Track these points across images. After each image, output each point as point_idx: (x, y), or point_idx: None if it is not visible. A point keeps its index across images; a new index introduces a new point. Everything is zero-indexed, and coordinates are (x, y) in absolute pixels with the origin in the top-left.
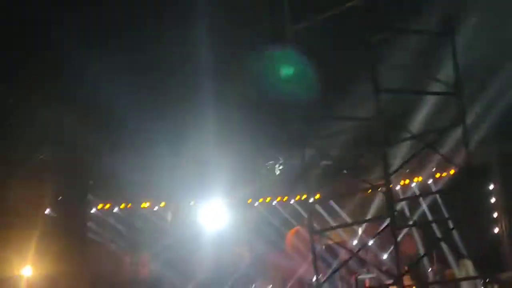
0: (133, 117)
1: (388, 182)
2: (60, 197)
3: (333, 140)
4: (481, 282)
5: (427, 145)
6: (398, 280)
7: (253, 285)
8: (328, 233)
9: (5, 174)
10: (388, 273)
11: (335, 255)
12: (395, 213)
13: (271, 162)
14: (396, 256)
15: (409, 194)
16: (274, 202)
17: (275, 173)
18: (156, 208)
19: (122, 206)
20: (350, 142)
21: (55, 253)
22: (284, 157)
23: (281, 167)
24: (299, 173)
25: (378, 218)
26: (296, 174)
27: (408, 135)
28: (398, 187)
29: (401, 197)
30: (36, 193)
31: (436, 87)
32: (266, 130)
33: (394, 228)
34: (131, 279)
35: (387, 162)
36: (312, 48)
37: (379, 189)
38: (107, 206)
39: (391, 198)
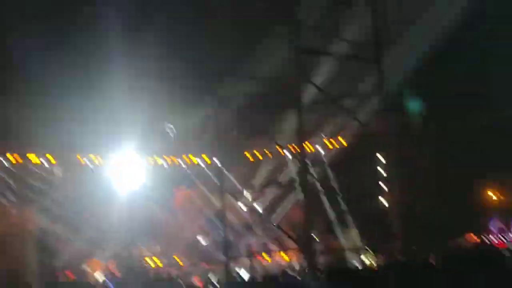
0: (34, 62)
1: (301, 145)
2: None
3: (232, 101)
4: (367, 251)
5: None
6: (305, 246)
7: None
8: (217, 196)
9: None
10: (275, 240)
11: (223, 218)
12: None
13: (167, 122)
14: (304, 223)
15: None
16: (165, 164)
17: (172, 133)
18: (47, 162)
19: (12, 159)
20: (248, 105)
21: None
22: (179, 117)
23: (173, 127)
24: (193, 134)
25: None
26: (191, 135)
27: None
28: (287, 152)
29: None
30: None
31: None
32: (166, 88)
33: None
34: (17, 233)
35: (302, 125)
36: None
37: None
38: None
39: (304, 162)
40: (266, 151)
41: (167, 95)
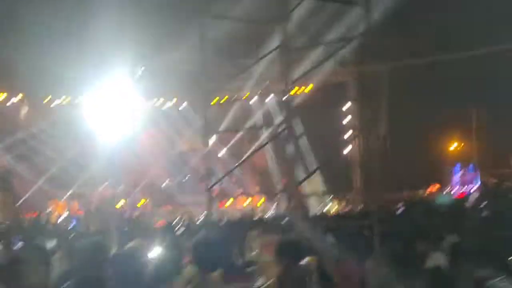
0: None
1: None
2: None
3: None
4: (329, 199)
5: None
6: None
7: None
8: (180, 139)
9: None
10: (237, 183)
11: (186, 162)
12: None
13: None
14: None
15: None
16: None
17: (137, 75)
18: (11, 100)
19: None
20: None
21: None
22: (147, 60)
23: (143, 69)
24: (161, 77)
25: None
26: (158, 77)
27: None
28: (255, 98)
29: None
30: None
31: None
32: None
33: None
34: None
35: (287, 69)
36: None
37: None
38: None
39: (288, 106)
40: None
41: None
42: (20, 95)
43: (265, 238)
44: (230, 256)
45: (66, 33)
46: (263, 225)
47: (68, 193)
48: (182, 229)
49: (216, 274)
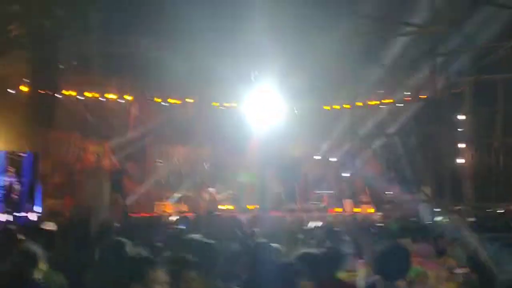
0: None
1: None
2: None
3: None
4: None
5: None
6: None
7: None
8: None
9: None
10: (347, 191)
11: (297, 167)
12: None
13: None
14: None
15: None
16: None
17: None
18: (123, 100)
19: (90, 94)
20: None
21: (19, 133)
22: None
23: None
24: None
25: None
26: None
27: None
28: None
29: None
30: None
31: None
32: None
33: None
34: (91, 169)
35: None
36: None
37: None
38: (74, 93)
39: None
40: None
41: None
42: (129, 96)
43: (418, 245)
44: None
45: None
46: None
47: (177, 195)
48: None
49: (400, 282)
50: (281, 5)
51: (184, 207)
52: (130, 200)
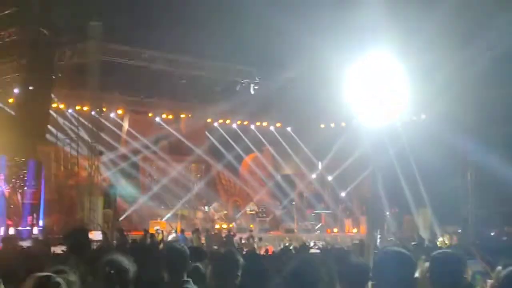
0: None
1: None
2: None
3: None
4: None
5: None
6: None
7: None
8: (285, 163)
9: None
10: (345, 210)
11: (292, 185)
12: None
13: (246, 80)
14: None
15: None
16: (234, 125)
17: (250, 93)
18: (113, 114)
19: (86, 108)
20: None
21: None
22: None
23: (256, 87)
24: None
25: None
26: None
27: None
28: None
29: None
30: None
31: None
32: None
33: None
34: (84, 184)
35: None
36: None
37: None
38: (63, 106)
39: None
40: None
41: None
42: (121, 110)
43: None
44: None
45: None
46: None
47: (170, 213)
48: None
49: None
50: None
51: (179, 225)
52: (123, 217)
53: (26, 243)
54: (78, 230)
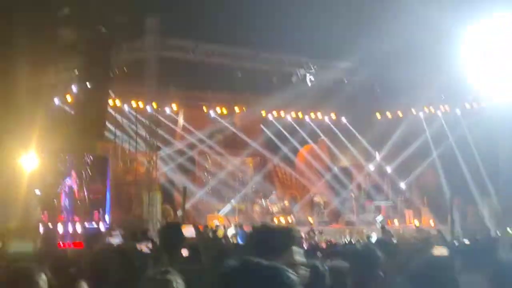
0: None
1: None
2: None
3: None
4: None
5: None
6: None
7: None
8: (342, 155)
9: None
10: (406, 202)
11: (350, 177)
12: None
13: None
14: None
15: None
16: (289, 117)
17: (306, 84)
18: (168, 110)
19: (141, 104)
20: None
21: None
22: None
23: (312, 78)
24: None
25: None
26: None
27: None
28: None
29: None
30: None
31: None
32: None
33: None
34: (142, 180)
35: None
36: None
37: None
38: (119, 102)
39: None
40: (400, 113)
41: None
42: (175, 105)
43: None
44: None
45: None
46: None
47: (227, 207)
48: None
49: None
50: None
51: (236, 220)
52: (181, 212)
53: (112, 240)
54: (172, 227)
